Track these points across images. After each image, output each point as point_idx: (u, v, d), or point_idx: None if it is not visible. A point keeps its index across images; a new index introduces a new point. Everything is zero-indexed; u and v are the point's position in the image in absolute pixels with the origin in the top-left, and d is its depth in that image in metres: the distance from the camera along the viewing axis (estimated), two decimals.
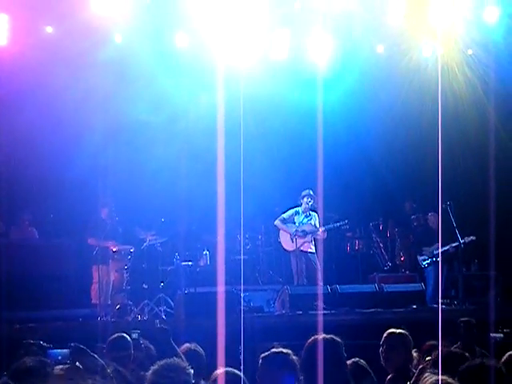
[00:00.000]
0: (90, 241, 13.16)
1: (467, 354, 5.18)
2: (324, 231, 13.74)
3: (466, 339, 7.62)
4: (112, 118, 13.91)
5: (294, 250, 13.65)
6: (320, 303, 12.09)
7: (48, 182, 14.19)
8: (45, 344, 6.42)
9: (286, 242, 13.82)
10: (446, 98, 14.20)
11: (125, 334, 6.82)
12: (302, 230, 13.71)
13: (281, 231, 13.95)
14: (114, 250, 12.93)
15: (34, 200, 14.44)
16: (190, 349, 6.24)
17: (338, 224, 13.85)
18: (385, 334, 6.16)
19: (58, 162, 13.86)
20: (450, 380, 3.38)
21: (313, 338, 5.05)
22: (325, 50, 14.50)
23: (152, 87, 13.94)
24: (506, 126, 14.58)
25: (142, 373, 4.85)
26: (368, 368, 5.75)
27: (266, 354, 4.79)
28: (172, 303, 12.80)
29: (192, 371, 4.45)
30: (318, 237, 13.74)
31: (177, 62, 14.24)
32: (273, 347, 5.34)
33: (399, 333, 6.18)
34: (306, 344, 5.02)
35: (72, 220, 14.35)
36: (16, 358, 5.45)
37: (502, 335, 7.60)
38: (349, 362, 5.41)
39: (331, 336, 5.04)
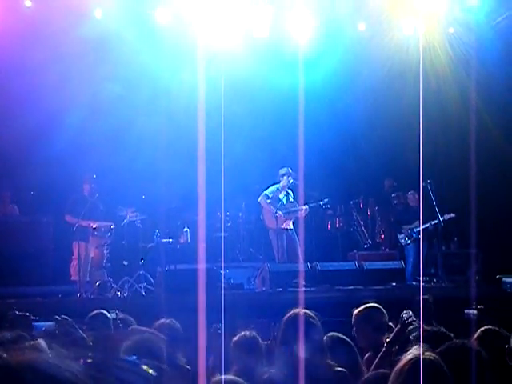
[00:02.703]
0: (67, 218, 13.13)
1: (452, 335, 5.22)
2: (306, 209, 13.75)
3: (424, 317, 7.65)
4: (92, 94, 13.84)
5: (275, 228, 13.66)
6: (300, 280, 12.14)
7: (29, 158, 14.10)
8: (31, 316, 6.42)
9: (269, 220, 13.80)
10: (427, 76, 14.20)
11: (104, 311, 6.83)
12: (287, 210, 13.70)
13: (264, 209, 13.93)
14: (94, 226, 12.90)
15: (15, 177, 14.36)
16: (164, 323, 6.24)
17: (320, 202, 13.86)
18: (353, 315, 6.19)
19: (38, 139, 13.79)
20: (432, 355, 3.40)
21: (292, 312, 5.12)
22: (306, 28, 14.47)
23: (133, 64, 13.87)
24: (486, 104, 14.62)
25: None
26: (345, 338, 5.78)
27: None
28: (152, 280, 12.81)
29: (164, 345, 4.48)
30: (299, 215, 13.75)
31: (158, 38, 14.15)
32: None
33: (365, 308, 6.20)
34: (285, 317, 5.09)
35: (52, 197, 14.30)
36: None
37: (475, 311, 7.65)
38: (325, 336, 5.46)
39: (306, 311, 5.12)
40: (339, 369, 5.01)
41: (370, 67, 14.98)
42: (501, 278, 12.41)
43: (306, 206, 13.74)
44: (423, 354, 3.44)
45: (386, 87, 15.18)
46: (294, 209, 13.71)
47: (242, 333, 5.70)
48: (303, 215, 13.78)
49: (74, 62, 13.56)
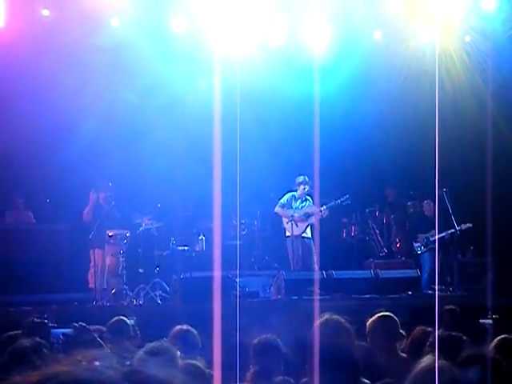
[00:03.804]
0: (85, 215, 13.25)
1: (465, 338, 5.21)
2: (326, 209, 13.68)
3: (448, 326, 7.63)
4: (108, 102, 13.89)
5: (293, 235, 13.63)
6: (315, 289, 12.12)
7: (45, 166, 14.17)
8: (49, 323, 6.47)
9: (288, 228, 13.77)
10: (443, 84, 14.18)
11: (124, 318, 6.88)
12: (305, 212, 13.67)
13: (282, 217, 13.91)
14: (110, 234, 12.93)
15: (30, 184, 14.43)
16: (181, 329, 6.26)
17: (339, 200, 13.76)
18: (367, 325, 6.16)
19: (54, 147, 13.85)
20: (445, 363, 3.39)
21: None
22: (322, 36, 14.47)
23: (148, 72, 13.91)
24: (503, 113, 14.58)
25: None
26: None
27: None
28: (167, 288, 12.82)
29: (178, 353, 4.49)
30: (318, 217, 13.68)
31: (173, 47, 14.20)
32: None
33: (378, 317, 6.18)
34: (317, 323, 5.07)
35: (68, 204, 14.34)
36: (17, 337, 5.50)
37: (491, 321, 7.62)
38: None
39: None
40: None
41: (385, 75, 14.96)
42: None
43: (324, 207, 13.67)
44: (434, 362, 3.42)
45: (401, 95, 15.16)
46: (311, 211, 13.65)
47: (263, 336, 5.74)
48: (323, 216, 13.71)
49: (90, 70, 13.61)
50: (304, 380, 5.04)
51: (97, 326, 6.76)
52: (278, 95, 14.84)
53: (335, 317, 4.98)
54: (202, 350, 6.12)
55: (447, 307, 8.44)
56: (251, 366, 5.56)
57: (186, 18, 14.08)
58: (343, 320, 4.99)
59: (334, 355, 4.71)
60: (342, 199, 13.73)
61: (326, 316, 5.01)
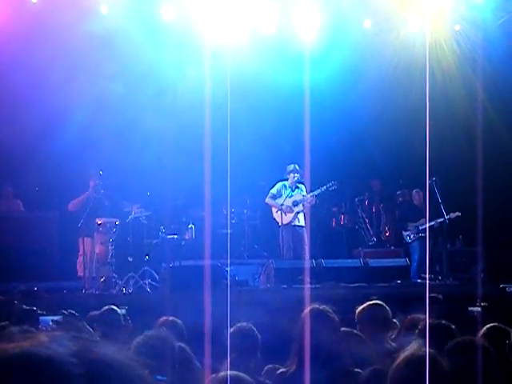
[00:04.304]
0: (70, 206, 13.26)
1: (453, 327, 5.22)
2: (312, 197, 13.66)
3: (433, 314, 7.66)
4: (98, 90, 13.83)
5: (284, 224, 13.63)
6: (305, 277, 12.13)
7: (34, 154, 14.12)
8: (38, 310, 6.46)
9: (278, 217, 13.76)
10: (433, 73, 14.19)
11: (115, 307, 6.87)
12: (293, 200, 13.65)
13: (273, 207, 13.89)
14: (100, 222, 12.91)
15: (20, 173, 14.39)
16: (167, 320, 6.25)
17: (325, 186, 13.71)
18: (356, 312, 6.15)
19: (43, 135, 13.80)
20: (430, 351, 3.39)
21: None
22: (312, 25, 14.46)
23: (138, 60, 13.87)
24: (493, 102, 14.60)
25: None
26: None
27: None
28: (157, 276, 12.82)
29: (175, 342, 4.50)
30: (308, 204, 13.68)
31: (163, 35, 14.14)
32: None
33: (369, 305, 6.18)
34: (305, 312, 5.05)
35: (57, 192, 14.31)
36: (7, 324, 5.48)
37: (479, 309, 7.64)
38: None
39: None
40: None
41: (375, 64, 14.95)
42: (504, 288, 12.25)
43: (310, 194, 13.64)
44: (420, 350, 3.42)
45: (391, 84, 15.16)
46: (299, 199, 13.62)
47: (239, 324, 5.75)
48: (312, 203, 13.71)
49: (80, 58, 13.55)
50: (284, 369, 5.05)
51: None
52: (268, 84, 14.81)
53: (322, 307, 4.99)
54: (188, 340, 6.12)
55: (430, 295, 8.51)
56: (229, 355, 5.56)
57: (175, 6, 14.03)
58: (329, 310, 4.99)
59: (318, 346, 4.73)
60: (328, 185, 13.66)
61: (313, 306, 5.01)
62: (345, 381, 4.62)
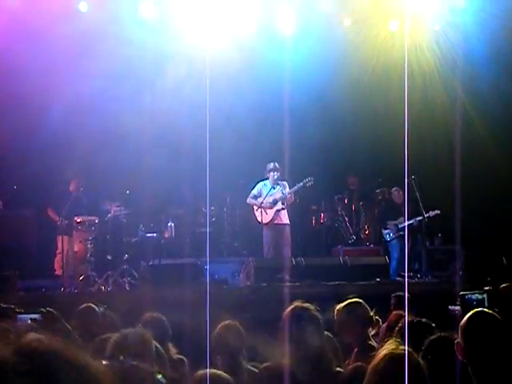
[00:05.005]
0: (49, 212, 13.24)
1: (433, 324, 5.23)
2: (289, 194, 13.64)
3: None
4: (77, 89, 13.75)
5: (265, 223, 13.62)
6: (285, 275, 12.14)
7: (12, 152, 14.04)
8: (16, 308, 6.43)
9: (258, 216, 13.74)
10: (413, 73, 14.23)
11: (93, 305, 6.86)
12: (273, 198, 13.64)
13: (254, 206, 13.87)
14: (78, 221, 12.86)
15: None
16: (152, 317, 6.25)
17: (301, 183, 13.66)
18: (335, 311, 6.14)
19: (21, 133, 13.73)
20: (407, 350, 3.40)
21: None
22: (292, 23, 14.47)
23: (117, 58, 13.79)
24: (472, 101, 14.66)
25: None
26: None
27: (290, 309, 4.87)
28: (136, 274, 12.78)
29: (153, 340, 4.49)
30: (288, 202, 13.68)
31: (143, 33, 14.08)
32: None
33: (348, 303, 6.17)
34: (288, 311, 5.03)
35: (36, 191, 14.22)
36: None
37: (459, 307, 7.66)
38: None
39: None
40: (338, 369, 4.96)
41: (355, 62, 14.97)
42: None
43: (288, 190, 13.61)
44: (397, 349, 3.42)
45: (371, 83, 15.18)
46: (278, 197, 13.60)
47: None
48: (291, 200, 13.71)
49: (58, 56, 13.47)
50: (267, 365, 5.06)
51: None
52: (248, 82, 14.79)
53: (306, 305, 4.97)
54: (173, 336, 6.12)
55: (394, 294, 8.56)
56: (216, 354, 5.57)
57: (155, 3, 13.99)
58: (312, 308, 4.98)
59: (303, 344, 4.72)
60: (304, 181, 13.63)
61: (296, 304, 5.00)
62: (328, 380, 4.62)
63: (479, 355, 3.76)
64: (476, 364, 3.76)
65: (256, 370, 5.34)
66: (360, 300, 6.22)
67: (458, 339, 3.88)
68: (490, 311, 4.11)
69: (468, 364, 3.79)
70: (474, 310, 4.08)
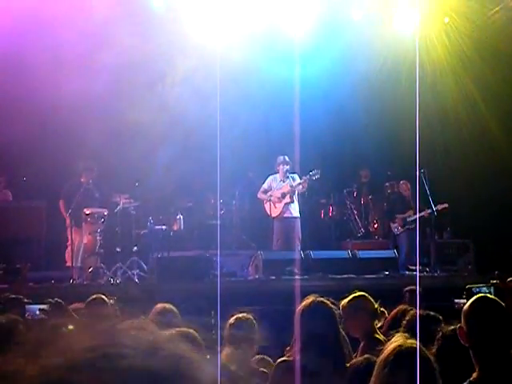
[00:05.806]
0: (61, 203, 13.26)
1: (440, 317, 5.23)
2: (297, 186, 13.63)
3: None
4: (87, 82, 13.76)
5: (275, 216, 13.64)
6: (293, 269, 12.15)
7: (22, 144, 14.06)
8: (24, 299, 6.47)
9: (268, 209, 13.76)
10: (423, 65, 14.20)
11: (103, 296, 6.86)
12: (281, 192, 13.65)
13: (263, 201, 13.90)
14: (88, 212, 12.87)
15: (9, 162, 14.34)
16: (163, 308, 6.26)
17: (307, 176, 13.64)
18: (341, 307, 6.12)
19: (32, 126, 13.74)
20: (415, 343, 3.39)
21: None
22: (302, 17, 14.44)
23: (127, 50, 13.79)
24: (483, 94, 14.63)
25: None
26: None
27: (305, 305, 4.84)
28: (145, 267, 12.80)
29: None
30: (301, 191, 13.70)
31: (153, 24, 14.08)
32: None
33: (354, 297, 6.16)
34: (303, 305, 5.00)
35: (46, 182, 14.26)
36: None
37: (465, 300, 7.64)
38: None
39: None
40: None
41: (365, 57, 14.94)
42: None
43: (295, 183, 13.62)
44: (405, 342, 3.42)
45: (382, 76, 15.17)
46: (286, 191, 13.61)
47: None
48: (301, 191, 13.72)
49: (69, 48, 13.48)
50: (285, 359, 5.06)
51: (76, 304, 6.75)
52: (258, 76, 14.77)
53: (320, 299, 4.95)
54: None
55: (407, 288, 8.56)
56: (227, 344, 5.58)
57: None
58: (329, 302, 4.96)
59: (319, 339, 4.72)
60: (311, 173, 13.61)
61: (312, 298, 4.97)
62: (342, 374, 4.61)
63: (481, 340, 3.77)
64: (478, 348, 3.77)
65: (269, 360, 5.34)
66: (365, 293, 6.22)
67: (461, 324, 3.89)
68: (493, 297, 4.12)
69: (470, 349, 3.79)
70: (477, 295, 4.09)
